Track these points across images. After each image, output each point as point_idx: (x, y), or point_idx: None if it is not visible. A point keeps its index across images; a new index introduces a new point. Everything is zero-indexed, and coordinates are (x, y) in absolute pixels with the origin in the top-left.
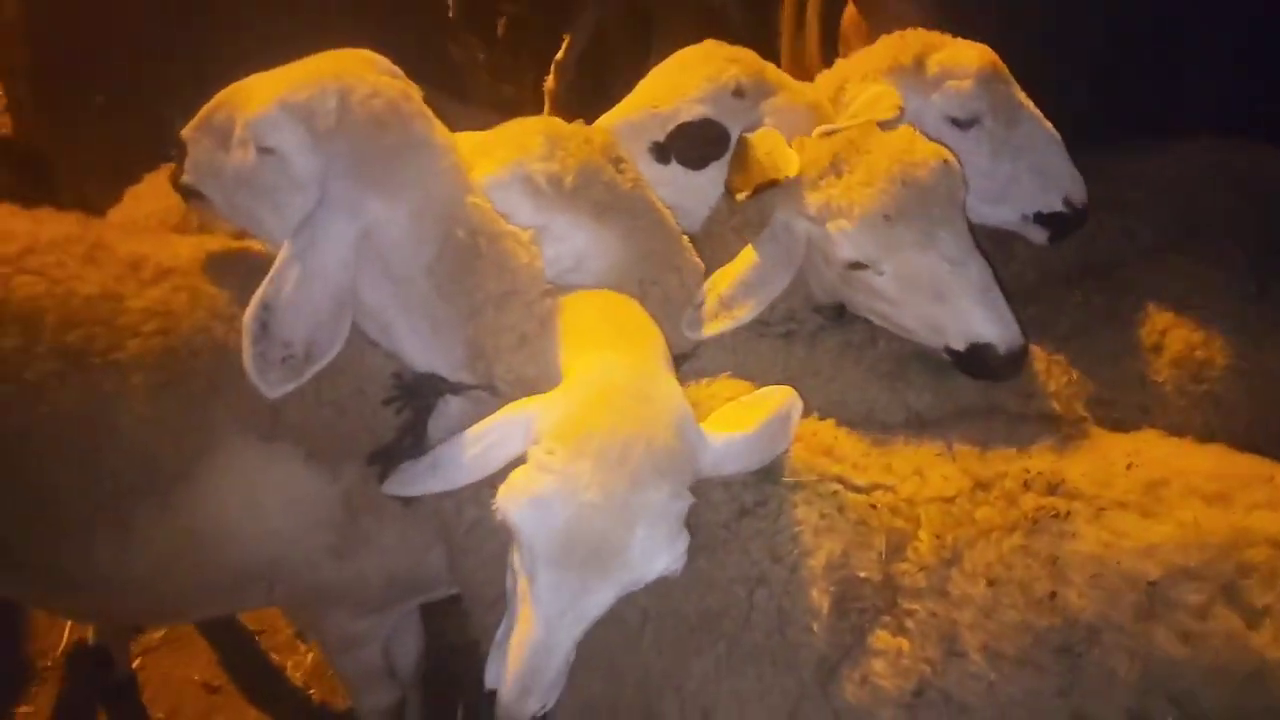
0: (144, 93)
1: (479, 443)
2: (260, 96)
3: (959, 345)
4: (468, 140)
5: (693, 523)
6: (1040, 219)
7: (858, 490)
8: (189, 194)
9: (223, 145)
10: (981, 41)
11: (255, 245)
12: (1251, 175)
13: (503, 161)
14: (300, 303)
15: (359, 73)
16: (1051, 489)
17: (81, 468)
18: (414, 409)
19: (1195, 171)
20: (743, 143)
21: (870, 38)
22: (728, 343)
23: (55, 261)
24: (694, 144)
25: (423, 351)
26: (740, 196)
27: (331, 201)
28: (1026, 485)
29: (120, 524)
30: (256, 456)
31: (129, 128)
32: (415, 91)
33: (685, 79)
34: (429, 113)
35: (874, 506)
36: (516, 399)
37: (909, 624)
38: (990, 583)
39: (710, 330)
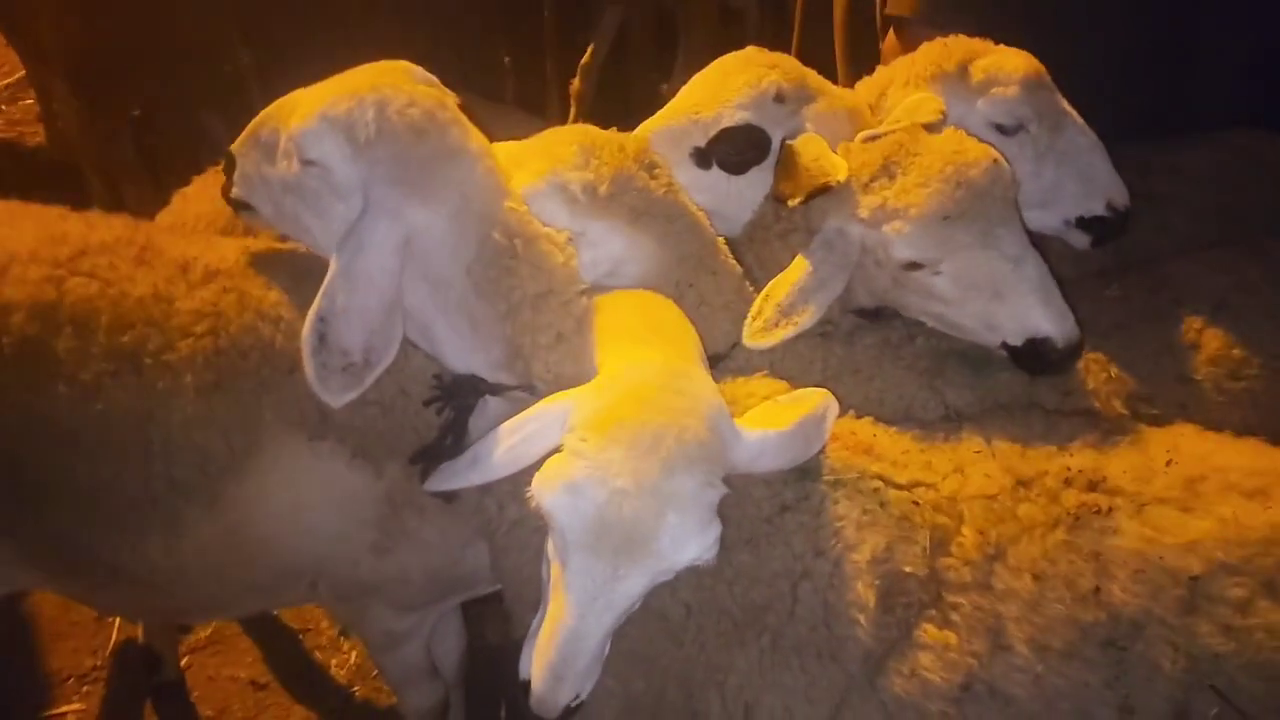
0: (179, 105)
1: (516, 435)
2: (303, 111)
3: (1016, 341)
4: (503, 150)
5: (734, 517)
6: (1083, 223)
7: (899, 488)
8: (239, 206)
9: (269, 158)
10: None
11: (298, 247)
12: None
13: (538, 172)
14: (352, 310)
15: (396, 83)
16: (1092, 486)
17: (134, 465)
18: (455, 409)
19: (1231, 165)
20: (788, 150)
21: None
22: None
23: (107, 264)
24: (735, 148)
25: (462, 352)
26: (792, 203)
27: (374, 208)
28: (1068, 482)
29: (171, 521)
30: (303, 455)
31: (163, 139)
32: (451, 99)
33: (726, 85)
34: (464, 120)
35: (916, 503)
36: None
37: (955, 618)
38: (1035, 577)
39: (774, 338)
